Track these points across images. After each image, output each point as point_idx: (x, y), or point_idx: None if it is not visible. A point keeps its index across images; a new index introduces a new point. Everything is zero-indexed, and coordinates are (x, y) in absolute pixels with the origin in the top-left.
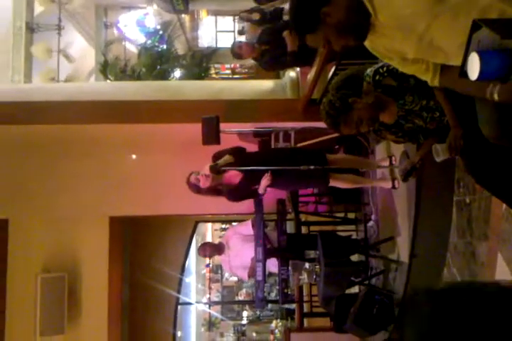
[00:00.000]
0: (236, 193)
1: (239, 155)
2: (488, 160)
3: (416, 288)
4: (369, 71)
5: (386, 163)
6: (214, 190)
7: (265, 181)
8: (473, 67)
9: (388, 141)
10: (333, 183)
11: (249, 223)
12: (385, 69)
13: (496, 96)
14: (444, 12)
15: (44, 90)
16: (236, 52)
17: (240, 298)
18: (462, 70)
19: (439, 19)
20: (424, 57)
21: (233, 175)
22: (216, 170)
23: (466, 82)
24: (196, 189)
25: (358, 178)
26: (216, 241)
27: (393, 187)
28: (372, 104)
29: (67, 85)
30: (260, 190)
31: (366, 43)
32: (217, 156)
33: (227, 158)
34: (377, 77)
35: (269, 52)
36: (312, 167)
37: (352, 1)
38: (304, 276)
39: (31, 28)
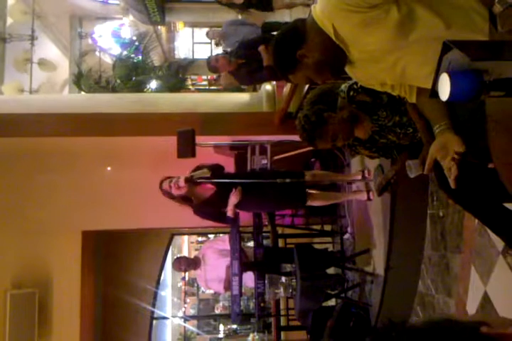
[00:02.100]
0: (203, 208)
1: (216, 172)
2: (460, 175)
3: (393, 321)
4: (343, 87)
5: (359, 177)
6: (186, 199)
7: (233, 197)
8: (444, 88)
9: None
10: (310, 203)
11: (225, 238)
12: (359, 85)
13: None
14: (408, 45)
15: (16, 102)
16: (212, 65)
17: (217, 311)
18: (433, 91)
19: (406, 51)
20: (400, 83)
21: (207, 189)
22: (191, 182)
23: (430, 107)
24: (168, 195)
25: (333, 195)
26: (192, 254)
27: (368, 198)
28: (346, 118)
29: (40, 97)
30: (229, 210)
31: (348, 72)
32: (197, 169)
33: (204, 171)
34: (351, 93)
35: (245, 66)
36: (288, 180)
37: (325, 41)
38: (281, 290)
39: (3, 38)
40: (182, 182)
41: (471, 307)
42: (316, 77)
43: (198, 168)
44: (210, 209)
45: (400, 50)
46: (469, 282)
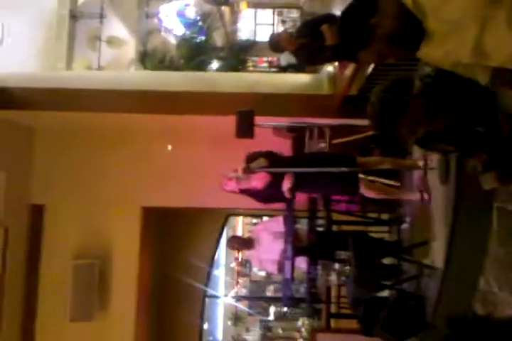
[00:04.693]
0: (263, 196)
1: (272, 159)
2: None
3: (476, 313)
4: (431, 71)
5: (421, 164)
6: (247, 192)
7: (286, 183)
8: None
9: (437, 153)
10: (363, 190)
11: (279, 219)
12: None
13: None
14: (497, 14)
15: (84, 78)
16: (274, 39)
17: (268, 293)
18: None
19: (492, 23)
20: (478, 62)
21: (259, 178)
22: (249, 172)
23: None
24: (231, 190)
25: (389, 189)
26: (246, 235)
27: (422, 199)
28: (429, 106)
29: (106, 73)
30: (286, 193)
31: (419, 52)
32: (250, 157)
33: (261, 161)
34: (438, 79)
35: (307, 46)
36: (345, 169)
37: (399, 8)
38: (333, 277)
39: (74, 16)
40: (240, 173)
41: None
42: (390, 51)
43: (250, 157)
44: (270, 195)
45: (486, 19)
46: None
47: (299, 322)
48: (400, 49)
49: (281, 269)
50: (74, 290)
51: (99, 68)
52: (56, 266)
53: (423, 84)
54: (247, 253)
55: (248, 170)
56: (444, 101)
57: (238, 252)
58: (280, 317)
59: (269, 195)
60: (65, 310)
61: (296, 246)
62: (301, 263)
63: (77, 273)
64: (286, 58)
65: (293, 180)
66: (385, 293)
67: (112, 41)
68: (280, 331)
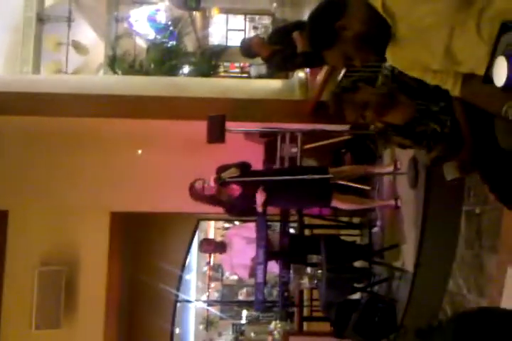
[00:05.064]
0: (234, 208)
1: (244, 170)
2: (505, 169)
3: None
4: (388, 65)
5: (391, 169)
6: (215, 201)
7: (259, 196)
8: (500, 72)
9: (394, 146)
10: (335, 203)
11: (251, 226)
12: None
13: (510, 116)
14: (467, 20)
15: (51, 82)
16: (246, 44)
17: (240, 297)
18: (487, 75)
19: (463, 28)
20: (448, 67)
21: (233, 190)
22: (220, 181)
23: (487, 92)
24: (198, 196)
25: (361, 200)
26: (218, 239)
27: (396, 206)
28: (382, 94)
29: (75, 77)
30: (258, 208)
31: (388, 56)
32: (222, 169)
33: (232, 170)
34: (396, 71)
35: (279, 52)
36: (317, 176)
37: (368, 12)
38: (305, 281)
39: (41, 20)
40: (212, 182)
41: None
42: (355, 54)
43: (223, 167)
44: (241, 208)
45: (456, 25)
46: (504, 283)
47: (271, 326)
48: (367, 52)
49: (252, 274)
50: (40, 298)
51: (68, 72)
52: (21, 273)
53: (382, 76)
54: (219, 258)
55: (219, 180)
56: (399, 93)
57: (210, 255)
58: (253, 320)
59: (239, 208)
60: (31, 318)
61: (269, 250)
62: (274, 267)
63: (43, 280)
64: (256, 69)
65: (265, 194)
66: (357, 296)
67: (77, 47)
68: (252, 334)
